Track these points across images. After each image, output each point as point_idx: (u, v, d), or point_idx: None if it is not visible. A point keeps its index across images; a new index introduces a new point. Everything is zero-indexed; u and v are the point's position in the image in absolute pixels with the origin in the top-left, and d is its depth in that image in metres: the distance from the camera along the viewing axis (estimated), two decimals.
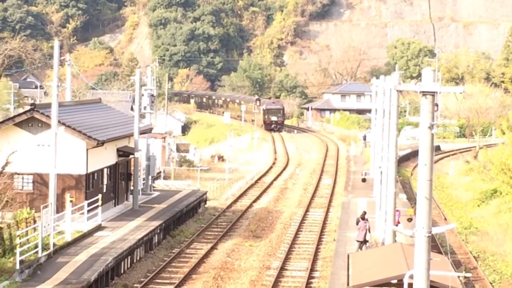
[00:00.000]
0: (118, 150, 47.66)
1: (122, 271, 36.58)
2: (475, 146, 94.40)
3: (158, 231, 43.56)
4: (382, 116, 44.17)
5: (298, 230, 48.09)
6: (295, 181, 71.53)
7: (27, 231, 35.32)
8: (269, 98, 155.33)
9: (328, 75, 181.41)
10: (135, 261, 38.81)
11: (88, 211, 40.83)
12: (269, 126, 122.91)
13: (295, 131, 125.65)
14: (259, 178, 71.93)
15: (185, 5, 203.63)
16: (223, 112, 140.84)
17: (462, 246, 44.55)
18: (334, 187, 66.37)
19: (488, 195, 59.45)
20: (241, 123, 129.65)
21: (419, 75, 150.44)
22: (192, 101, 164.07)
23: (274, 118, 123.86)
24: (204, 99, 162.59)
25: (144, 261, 39.56)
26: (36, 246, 33.99)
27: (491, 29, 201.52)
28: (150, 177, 55.40)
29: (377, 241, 38.86)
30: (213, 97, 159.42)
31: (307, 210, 55.21)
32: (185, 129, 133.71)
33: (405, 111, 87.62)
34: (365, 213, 38.98)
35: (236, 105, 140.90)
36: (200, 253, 41.32)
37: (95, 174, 44.08)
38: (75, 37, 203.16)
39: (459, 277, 24.14)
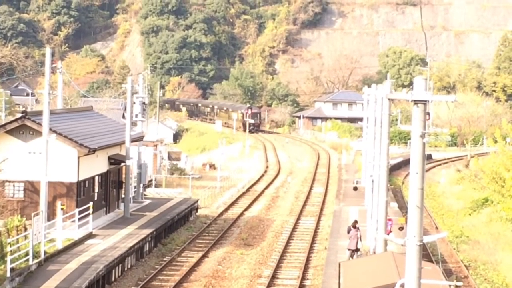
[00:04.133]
0: (109, 158, 47.58)
1: (113, 279, 36.50)
2: (466, 155, 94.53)
3: (149, 239, 43.48)
4: (373, 124, 44.17)
5: (290, 238, 48.07)
6: (287, 190, 71.51)
7: (18, 238, 35.17)
8: (261, 107, 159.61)
9: (320, 84, 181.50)
10: (126, 269, 38.72)
11: (79, 219, 40.69)
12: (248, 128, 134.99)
13: (287, 139, 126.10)
14: (251, 186, 71.91)
15: (177, 13, 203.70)
16: (214, 120, 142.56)
17: (453, 254, 44.55)
18: (325, 195, 66.35)
19: (479, 204, 59.52)
20: (233, 131, 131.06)
21: (411, 83, 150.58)
22: (183, 109, 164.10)
23: (251, 121, 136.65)
24: (195, 107, 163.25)
25: (135, 269, 39.48)
26: (27, 254, 33.88)
27: (482, 38, 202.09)
28: (141, 185, 55.31)
29: (368, 249, 38.84)
30: (209, 106, 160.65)
31: (298, 219, 55.19)
32: (176, 137, 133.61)
33: (396, 120, 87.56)
34: (356, 221, 38.98)
35: (227, 113, 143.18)
36: (191, 261, 41.25)
37: (86, 182, 43.97)
38: (66, 44, 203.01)
39: (450, 286, 24.11)
